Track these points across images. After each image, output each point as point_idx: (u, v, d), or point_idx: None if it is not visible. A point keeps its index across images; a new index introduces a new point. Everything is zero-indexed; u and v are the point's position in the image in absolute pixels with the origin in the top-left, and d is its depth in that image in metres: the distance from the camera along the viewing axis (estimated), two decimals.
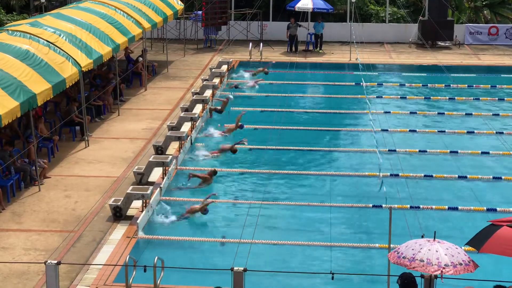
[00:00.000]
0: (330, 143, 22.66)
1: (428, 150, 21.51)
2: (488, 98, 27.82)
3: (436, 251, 9.63)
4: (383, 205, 17.03)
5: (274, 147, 21.77)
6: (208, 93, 26.36)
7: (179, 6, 33.27)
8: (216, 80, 28.31)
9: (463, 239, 10.45)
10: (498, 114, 25.44)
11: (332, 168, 20.29)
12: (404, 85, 30.18)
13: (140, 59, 29.52)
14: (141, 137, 22.42)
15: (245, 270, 11.67)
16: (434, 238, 9.88)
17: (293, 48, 35.94)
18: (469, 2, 41.66)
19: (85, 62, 21.26)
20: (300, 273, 13.72)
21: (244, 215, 16.74)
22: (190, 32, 37.46)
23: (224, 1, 37.28)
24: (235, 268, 11.72)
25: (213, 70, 29.45)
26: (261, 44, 34.95)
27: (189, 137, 21.63)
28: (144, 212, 16.22)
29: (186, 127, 22.41)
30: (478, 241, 9.74)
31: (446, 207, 17.30)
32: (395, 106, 26.76)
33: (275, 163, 20.48)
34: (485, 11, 41.66)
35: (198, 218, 16.62)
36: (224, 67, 30.35)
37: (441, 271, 9.38)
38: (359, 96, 27.17)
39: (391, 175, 19.32)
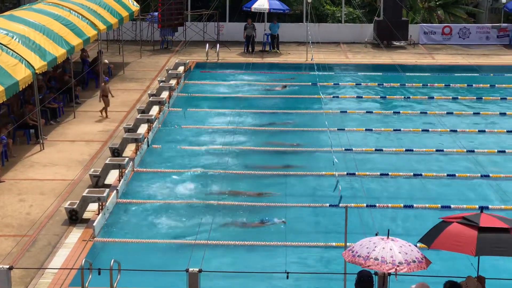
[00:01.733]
0: (285, 142, 22.70)
1: (384, 149, 21.71)
2: (442, 97, 28.17)
3: (390, 249, 9.71)
4: (340, 204, 17.13)
5: (230, 147, 21.79)
6: (164, 94, 26.26)
7: (135, 7, 33.08)
8: (173, 82, 28.22)
9: (418, 236, 10.56)
10: (452, 113, 25.78)
11: (288, 168, 20.33)
12: (360, 84, 30.43)
13: (106, 61, 29.50)
14: (97, 139, 22.24)
15: (200, 271, 11.65)
16: (388, 236, 9.97)
17: (250, 49, 35.99)
18: (423, 3, 42.14)
19: (39, 64, 21.02)
20: (255, 273, 13.73)
21: (200, 216, 16.73)
22: (147, 33, 37.26)
23: (180, 2, 37.17)
24: (190, 269, 11.69)
25: (169, 71, 29.35)
26: (218, 45, 34.93)
27: (145, 139, 21.52)
28: (100, 215, 16.10)
29: (142, 129, 22.29)
30: (429, 238, 9.87)
31: (402, 205, 17.48)
32: (351, 106, 26.94)
33: (231, 163, 20.49)
34: (438, 11, 42.17)
35: (154, 220, 16.56)
36: (181, 69, 30.26)
37: (396, 269, 9.47)
38: (315, 96, 27.30)
39: (347, 174, 19.45)
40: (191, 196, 18.18)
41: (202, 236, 15.60)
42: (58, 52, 22.69)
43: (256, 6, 35.86)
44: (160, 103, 24.93)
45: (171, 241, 15.58)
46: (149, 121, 22.56)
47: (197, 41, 37.22)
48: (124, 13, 30.91)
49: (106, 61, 29.50)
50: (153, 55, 35.16)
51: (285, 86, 29.89)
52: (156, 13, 36.62)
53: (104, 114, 24.51)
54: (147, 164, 20.33)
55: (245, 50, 36.09)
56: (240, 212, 17.20)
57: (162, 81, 27.88)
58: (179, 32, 37.48)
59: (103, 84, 24.82)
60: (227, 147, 21.77)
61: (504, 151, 21.50)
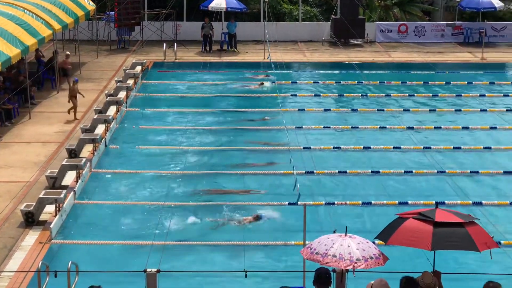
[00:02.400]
0: (244, 141, 22.70)
1: (342, 147, 21.83)
2: (399, 94, 28.43)
3: (348, 246, 9.76)
4: (298, 203, 17.17)
5: (188, 147, 21.73)
6: (122, 94, 26.07)
7: (91, 6, 32.75)
8: (130, 82, 28.03)
9: (375, 233, 10.63)
10: (408, 110, 26.03)
11: (246, 166, 20.33)
12: (318, 82, 30.55)
13: (68, 58, 29.34)
14: (53, 140, 21.99)
15: (158, 271, 11.59)
16: (346, 233, 10.02)
17: (208, 48, 35.92)
18: (379, 1, 42.48)
19: None
20: (214, 273, 13.72)
21: (158, 216, 16.65)
22: (103, 33, 36.91)
23: (137, 2, 36.89)
24: (148, 270, 11.63)
25: (127, 71, 29.15)
26: (175, 44, 34.79)
27: (103, 139, 21.34)
28: (57, 216, 15.91)
29: (100, 129, 22.10)
30: (385, 234, 9.95)
31: (360, 202, 17.60)
32: (309, 104, 27.04)
33: (190, 163, 20.43)
34: (394, 10, 42.53)
35: (112, 221, 16.44)
36: (138, 68, 30.08)
37: (353, 266, 9.52)
38: (273, 95, 27.35)
39: (306, 172, 19.52)
40: (149, 196, 18.07)
41: (160, 237, 15.52)
42: (12, 52, 22.36)
43: (213, 5, 35.78)
44: (118, 103, 24.75)
45: (129, 242, 15.45)
46: (107, 122, 22.38)
47: (155, 40, 37.01)
48: (80, 13, 30.58)
49: (68, 52, 29.45)
50: (110, 55, 34.88)
51: (262, 84, 29.90)
52: (112, 13, 36.32)
53: (72, 114, 24.21)
54: (105, 165, 20.16)
55: (203, 49, 36.00)
56: (199, 212, 17.14)
57: (119, 81, 27.68)
58: (136, 32, 37.22)
59: (72, 84, 24.43)
60: (186, 147, 21.69)
61: (459, 147, 21.77)
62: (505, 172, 19.68)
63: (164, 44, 34.12)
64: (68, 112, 24.29)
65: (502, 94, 28.52)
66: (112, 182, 18.88)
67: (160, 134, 23.09)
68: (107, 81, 29.69)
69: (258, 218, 16.68)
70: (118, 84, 27.10)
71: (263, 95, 28.18)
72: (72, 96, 24.19)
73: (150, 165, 20.17)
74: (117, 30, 36.44)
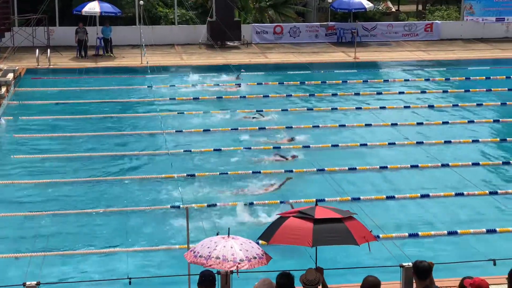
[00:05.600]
0: (121, 147, 22.37)
1: (222, 149, 21.89)
2: (277, 95, 28.78)
3: (231, 247, 9.76)
4: (181, 206, 17.09)
5: (66, 154, 21.23)
6: None
7: None
8: (3, 89, 27.12)
9: (259, 232, 10.70)
10: (287, 110, 26.38)
11: (123, 172, 20.05)
12: (197, 85, 30.53)
13: None
14: None
15: (38, 283, 11.22)
16: (229, 235, 10.02)
17: (83, 53, 35.22)
18: (254, 3, 42.94)
19: None
20: (96, 281, 13.44)
21: (36, 227, 16.16)
22: None
23: (6, 7, 35.65)
24: (28, 283, 11.24)
25: None
26: (49, 50, 33.91)
27: None
28: None
29: None
30: (268, 234, 10.01)
31: (242, 202, 17.66)
32: (189, 107, 26.99)
33: (68, 170, 19.96)
34: (269, 11, 43.14)
35: None
36: (10, 75, 29.14)
37: (237, 267, 9.54)
38: (151, 99, 27.12)
39: (187, 175, 19.45)
40: (26, 206, 17.49)
41: (39, 248, 15.05)
42: None
43: (86, 9, 35.06)
44: None
45: (5, 256, 14.90)
46: None
47: (27, 46, 35.84)
48: None
49: None
50: None
51: (237, 77, 30.31)
52: None
53: None
54: None
55: (78, 55, 35.27)
56: (79, 219, 16.77)
57: None
58: (6, 38, 35.96)
59: None
60: (63, 155, 21.17)
61: (337, 145, 22.27)
62: (381, 168, 20.28)
63: (37, 50, 33.17)
64: None
65: (375, 92, 29.40)
66: None
67: (36, 142, 22.42)
68: None
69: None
70: None
71: (141, 100, 27.87)
72: None
73: (26, 174, 19.54)
74: None
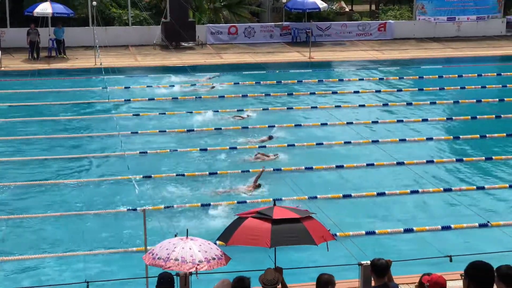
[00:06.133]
0: (76, 149, 22.14)
1: (178, 149, 21.80)
2: (233, 95, 28.73)
3: (190, 248, 9.73)
4: (138, 208, 16.96)
5: (16, 158, 20.95)
6: None
7: None
8: None
9: (217, 234, 10.67)
10: (242, 110, 26.36)
11: (80, 175, 19.84)
12: (152, 86, 30.34)
13: None
14: None
15: None
16: (187, 236, 9.99)
17: (35, 55, 34.74)
18: (209, 3, 42.83)
19: None
20: (53, 286, 13.26)
21: None
22: None
23: None
24: None
25: None
26: (0, 52, 33.36)
27: None
28: None
29: None
30: (226, 235, 9.99)
31: (199, 204, 17.61)
32: (144, 108, 26.80)
33: (19, 174, 19.69)
34: (224, 12, 43.08)
35: None
36: None
37: (196, 268, 9.51)
38: (106, 100, 26.89)
39: (143, 177, 19.33)
40: None
41: None
42: None
43: (38, 10, 34.56)
44: None
45: None
46: None
47: None
48: None
49: None
50: None
51: (213, 86, 29.99)
52: None
53: None
54: None
55: (30, 57, 34.78)
56: (34, 223, 16.54)
57: None
58: None
59: None
60: (16, 158, 20.88)
61: (293, 145, 22.34)
62: (337, 167, 20.40)
63: None
64: None
65: (330, 92, 29.55)
66: None
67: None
68: None
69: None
70: None
71: (95, 101, 27.59)
72: None
73: None
74: None
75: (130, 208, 17.14)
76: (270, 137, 22.66)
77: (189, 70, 30.26)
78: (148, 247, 12.02)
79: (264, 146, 22.07)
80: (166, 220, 16.50)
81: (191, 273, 9.96)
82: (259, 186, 18.72)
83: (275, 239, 9.55)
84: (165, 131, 23.84)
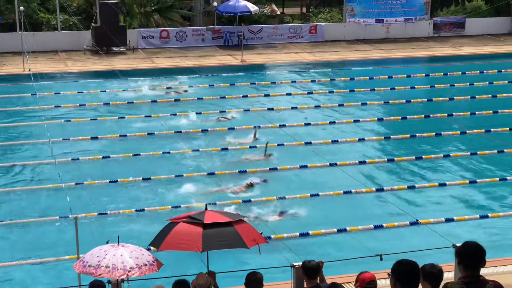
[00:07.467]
0: (5, 157, 21.71)
1: (111, 156, 21.57)
2: (164, 100, 28.58)
3: (121, 255, 9.65)
4: (70, 216, 16.71)
5: None
6: None
7: None
8: None
9: (151, 239, 10.61)
10: (175, 114, 26.22)
11: (8, 183, 19.45)
12: (82, 92, 29.93)
13: None
14: None
15: None
16: (118, 243, 9.89)
17: None
18: (139, 8, 42.51)
19: None
20: None
21: None
22: None
23: None
24: None
25: None
26: None
27: None
28: None
29: None
30: (158, 240, 9.95)
31: (133, 210, 17.46)
32: (75, 114, 26.41)
33: None
34: (155, 16, 42.82)
35: None
36: None
37: (127, 275, 9.42)
38: (36, 107, 26.44)
39: (75, 184, 19.07)
40: None
41: None
42: None
43: None
44: None
45: None
46: None
47: None
48: None
49: None
50: None
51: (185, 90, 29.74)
52: None
53: None
54: None
55: None
56: None
57: None
58: None
59: None
60: None
61: (226, 149, 22.34)
62: (271, 169, 20.48)
63: None
64: None
65: (263, 94, 29.64)
66: None
67: None
68: None
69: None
70: None
71: (24, 109, 27.09)
72: None
73: None
74: None
75: (62, 216, 16.87)
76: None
77: (120, 75, 29.94)
78: (80, 255, 11.87)
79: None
80: (98, 227, 16.30)
81: (122, 280, 9.86)
82: (251, 185, 18.75)
83: (206, 243, 9.54)
84: (97, 137, 23.54)
